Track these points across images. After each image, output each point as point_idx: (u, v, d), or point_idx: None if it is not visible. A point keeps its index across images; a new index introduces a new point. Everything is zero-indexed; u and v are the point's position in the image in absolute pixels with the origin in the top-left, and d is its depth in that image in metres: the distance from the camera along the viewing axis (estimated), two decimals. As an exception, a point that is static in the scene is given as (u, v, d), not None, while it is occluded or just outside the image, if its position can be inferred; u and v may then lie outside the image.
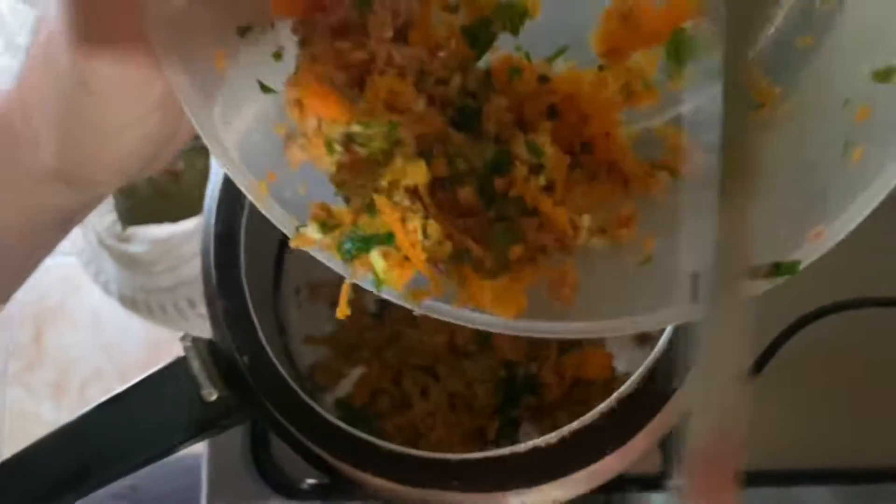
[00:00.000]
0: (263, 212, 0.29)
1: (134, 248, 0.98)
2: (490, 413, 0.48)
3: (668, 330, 0.38)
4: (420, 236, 0.27)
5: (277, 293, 0.53)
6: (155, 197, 1.08)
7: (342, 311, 0.28)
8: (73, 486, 0.40)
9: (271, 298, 0.52)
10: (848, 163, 0.29)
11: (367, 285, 0.29)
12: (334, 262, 0.29)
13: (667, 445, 0.51)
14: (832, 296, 0.49)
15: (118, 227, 0.98)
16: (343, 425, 0.39)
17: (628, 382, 0.37)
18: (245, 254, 0.43)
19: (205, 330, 0.43)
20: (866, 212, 0.29)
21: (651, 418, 0.37)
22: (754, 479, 0.51)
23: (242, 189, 0.29)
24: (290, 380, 0.40)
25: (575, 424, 0.37)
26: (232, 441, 0.54)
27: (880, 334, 0.53)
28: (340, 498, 0.52)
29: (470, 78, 0.30)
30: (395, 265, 0.27)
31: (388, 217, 0.27)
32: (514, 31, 0.31)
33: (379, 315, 0.51)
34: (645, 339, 0.49)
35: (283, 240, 0.53)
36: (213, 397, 0.38)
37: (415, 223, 0.27)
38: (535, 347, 0.49)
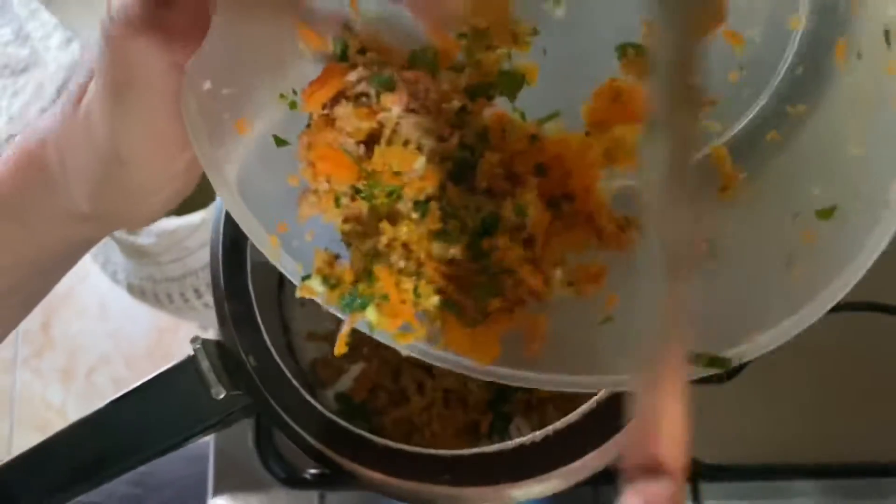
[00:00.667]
0: (275, 264, 0.32)
1: (142, 239, 1.00)
2: (483, 408, 0.50)
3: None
4: (412, 296, 0.30)
5: (282, 291, 0.55)
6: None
7: (340, 349, 0.31)
8: (90, 477, 0.42)
9: (276, 297, 0.54)
10: (789, 276, 0.31)
11: (362, 328, 0.32)
12: (334, 309, 0.32)
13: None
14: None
15: (126, 220, 0.99)
16: (341, 421, 0.41)
17: (610, 383, 0.39)
18: (251, 258, 0.45)
19: (210, 318, 0.44)
20: (793, 333, 0.31)
21: (630, 419, 0.39)
22: (742, 472, 0.53)
23: (258, 245, 0.32)
24: (292, 378, 0.42)
25: (559, 423, 0.39)
26: (237, 433, 0.56)
27: (862, 336, 0.55)
28: (339, 487, 0.54)
29: (468, 133, 0.32)
30: (387, 316, 0.31)
31: (384, 282, 0.30)
32: (512, 97, 0.33)
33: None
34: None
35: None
36: (221, 395, 0.40)
37: (408, 285, 0.30)
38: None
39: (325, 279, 0.31)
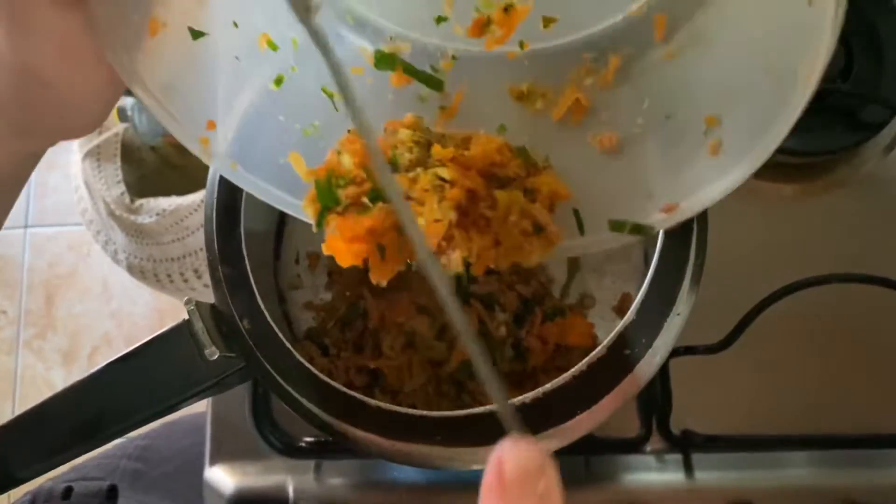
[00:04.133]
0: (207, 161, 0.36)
1: (142, 219, 1.00)
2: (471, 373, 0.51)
3: (637, 301, 0.41)
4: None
5: (278, 261, 0.55)
6: (163, 168, 1.10)
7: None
8: (86, 438, 0.42)
9: (272, 267, 0.55)
10: (705, 148, 0.33)
11: None
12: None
13: (644, 411, 0.54)
14: (801, 272, 0.51)
15: (127, 199, 1.00)
16: (335, 384, 0.41)
17: (599, 347, 0.40)
18: (245, 223, 0.45)
19: (208, 298, 0.45)
20: (707, 204, 0.34)
21: (619, 381, 0.40)
22: (734, 443, 0.54)
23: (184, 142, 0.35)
24: (286, 341, 0.42)
25: (549, 385, 0.39)
26: (234, 403, 0.56)
27: (854, 308, 0.56)
28: (335, 455, 0.55)
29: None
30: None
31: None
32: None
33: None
34: (624, 311, 0.52)
35: (283, 213, 0.55)
36: (215, 357, 0.41)
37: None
38: (521, 314, 0.52)
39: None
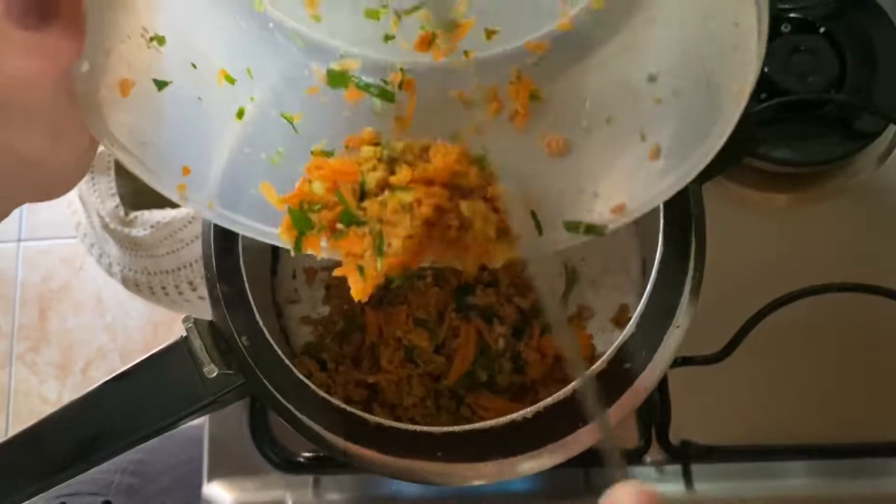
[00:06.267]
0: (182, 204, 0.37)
1: (136, 231, 1.00)
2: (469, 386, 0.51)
3: (637, 315, 0.41)
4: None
5: (275, 277, 0.55)
6: (156, 181, 1.10)
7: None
8: (84, 457, 0.42)
9: (269, 282, 0.55)
10: (645, 153, 0.35)
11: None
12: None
13: (643, 422, 0.54)
14: (798, 282, 0.52)
15: (121, 211, 1.00)
16: (335, 401, 0.41)
17: (599, 361, 0.40)
18: (243, 240, 0.45)
19: (204, 311, 0.45)
20: (650, 206, 0.35)
21: (620, 395, 0.40)
22: (733, 454, 0.54)
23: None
24: (285, 358, 0.42)
25: (550, 400, 0.39)
26: (232, 419, 0.56)
27: (853, 318, 0.56)
28: (334, 471, 0.54)
29: None
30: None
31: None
32: None
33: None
34: (622, 323, 0.52)
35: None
36: (214, 374, 0.41)
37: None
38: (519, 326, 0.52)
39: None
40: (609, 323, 0.53)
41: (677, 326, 0.41)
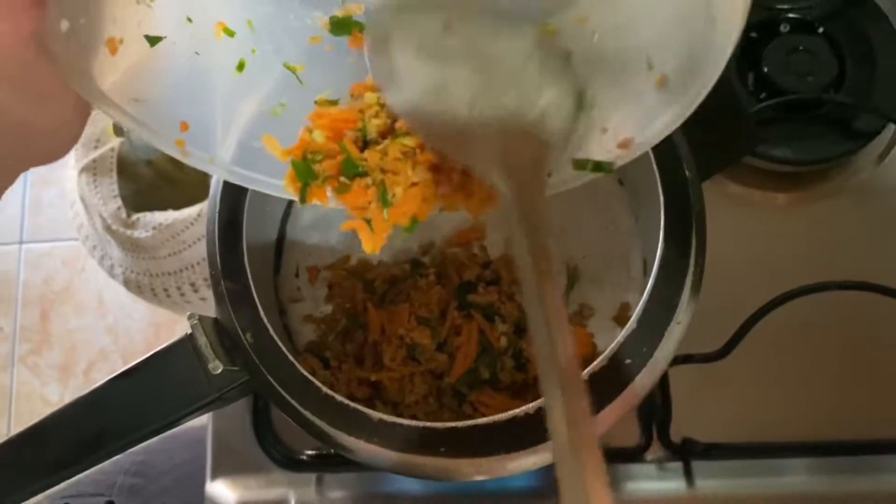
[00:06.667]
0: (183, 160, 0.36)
1: (138, 233, 1.00)
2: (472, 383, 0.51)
3: (638, 311, 0.41)
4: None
5: (277, 275, 0.55)
6: (158, 182, 1.10)
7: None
8: (88, 455, 0.42)
9: (272, 281, 0.55)
10: (652, 83, 0.35)
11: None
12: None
13: (644, 419, 0.54)
14: (797, 280, 0.52)
15: (123, 213, 1.00)
16: (338, 397, 0.41)
17: (599, 359, 0.40)
18: (247, 238, 0.45)
19: (206, 312, 0.45)
20: (658, 138, 0.35)
21: (620, 392, 0.40)
22: (734, 451, 0.54)
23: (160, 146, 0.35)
24: (289, 354, 0.42)
25: (552, 396, 0.39)
26: (235, 417, 0.56)
27: (853, 316, 0.56)
28: (337, 468, 0.55)
29: None
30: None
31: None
32: None
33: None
34: (623, 321, 0.52)
35: (283, 227, 0.56)
36: (219, 371, 0.41)
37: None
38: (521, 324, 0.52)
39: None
40: (610, 321, 0.53)
41: (678, 323, 0.42)
